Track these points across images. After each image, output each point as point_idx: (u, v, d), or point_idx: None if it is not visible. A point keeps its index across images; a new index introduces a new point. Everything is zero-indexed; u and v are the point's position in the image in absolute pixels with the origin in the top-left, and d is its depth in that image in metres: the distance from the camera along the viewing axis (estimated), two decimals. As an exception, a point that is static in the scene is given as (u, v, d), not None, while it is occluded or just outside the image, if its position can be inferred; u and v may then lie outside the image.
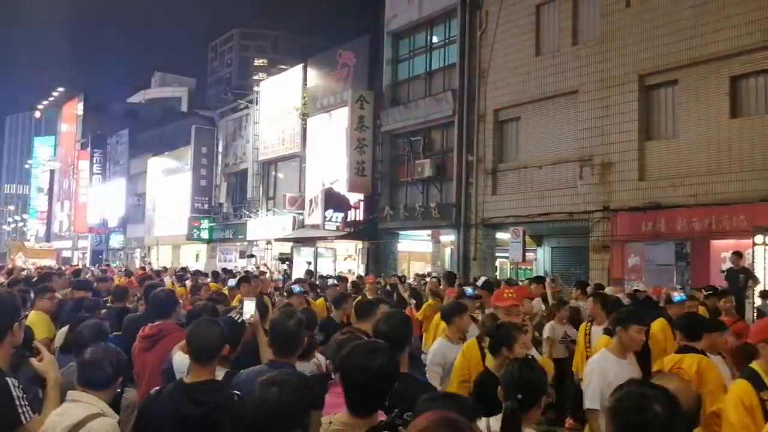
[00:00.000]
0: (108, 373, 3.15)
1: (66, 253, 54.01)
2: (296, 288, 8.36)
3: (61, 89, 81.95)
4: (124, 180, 43.79)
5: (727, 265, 12.13)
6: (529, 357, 4.19)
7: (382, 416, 2.76)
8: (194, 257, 33.80)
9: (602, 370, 4.40)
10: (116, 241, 45.00)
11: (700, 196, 13.09)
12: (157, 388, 3.32)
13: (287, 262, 21.21)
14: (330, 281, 10.72)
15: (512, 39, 17.49)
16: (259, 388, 2.33)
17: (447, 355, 5.24)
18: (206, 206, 32.49)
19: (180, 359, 3.87)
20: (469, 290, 7.49)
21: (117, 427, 3.09)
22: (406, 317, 4.00)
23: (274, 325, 3.81)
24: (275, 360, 3.65)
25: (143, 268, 20.49)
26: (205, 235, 32.07)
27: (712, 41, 13.10)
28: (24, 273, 14.91)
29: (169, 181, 36.21)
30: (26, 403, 2.87)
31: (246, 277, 10.04)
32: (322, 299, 9.86)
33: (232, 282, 10.05)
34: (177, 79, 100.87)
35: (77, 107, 54.33)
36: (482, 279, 10.91)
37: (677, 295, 7.60)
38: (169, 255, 36.39)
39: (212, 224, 31.78)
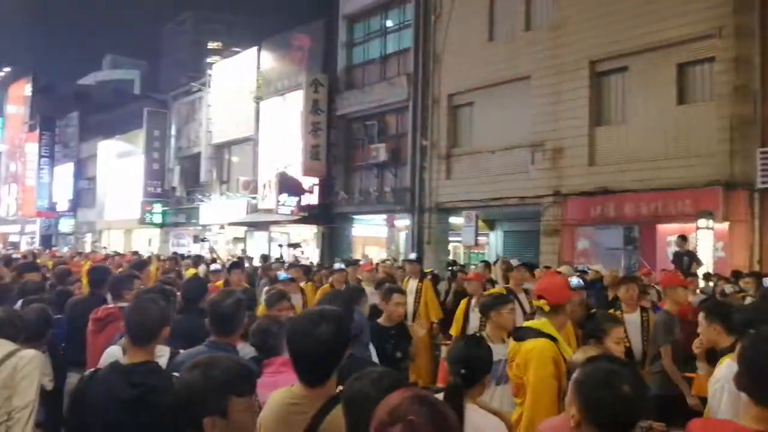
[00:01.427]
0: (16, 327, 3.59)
1: (13, 238, 52.57)
2: (282, 275, 7.78)
3: (7, 69, 79.21)
4: (73, 163, 42.76)
5: (673, 248, 12.42)
6: (479, 335, 4.26)
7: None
8: (147, 242, 33.23)
9: None
10: (66, 225, 43.95)
11: (648, 181, 13.34)
12: (92, 370, 3.26)
13: (299, 248, 19.40)
14: (336, 266, 10.13)
15: (466, 24, 17.50)
16: (184, 371, 2.28)
17: None
18: (159, 190, 31.89)
19: (114, 349, 3.79)
20: (282, 275, 7.36)
21: (41, 356, 3.24)
22: (349, 298, 4.14)
23: (211, 304, 3.76)
24: (215, 340, 3.59)
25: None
26: (157, 219, 31.53)
27: (661, 29, 13.31)
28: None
29: (121, 164, 35.49)
30: None
31: (238, 263, 9.64)
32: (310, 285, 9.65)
33: (215, 266, 9.50)
34: (130, 61, 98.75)
35: (25, 88, 52.69)
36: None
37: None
38: (122, 240, 35.72)
39: (165, 208, 31.24)
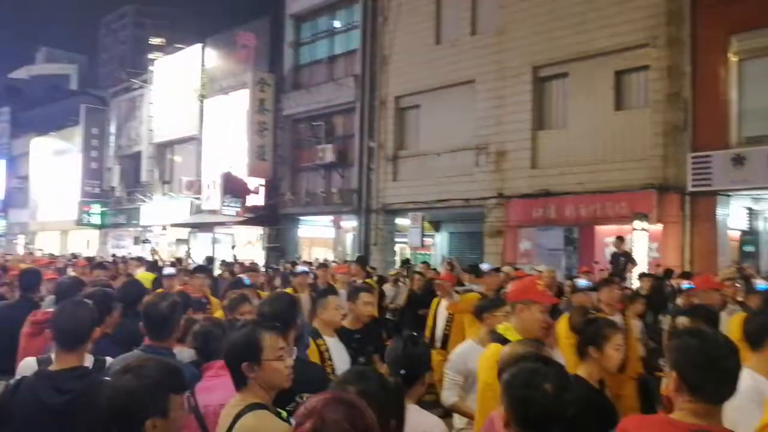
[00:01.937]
0: None
1: (-61, 239, 50.27)
2: (246, 279, 7.29)
3: (-68, 61, 75.55)
4: (5, 161, 41.16)
5: (611, 249, 12.91)
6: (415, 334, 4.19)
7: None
8: (85, 244, 32.30)
9: None
10: (-3, 226, 42.31)
11: (587, 184, 13.80)
12: (18, 377, 3.11)
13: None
14: (300, 268, 9.49)
15: (413, 27, 17.74)
16: (113, 376, 2.27)
17: (470, 361, 4.16)
18: (97, 190, 31.13)
19: (29, 361, 3.54)
20: (247, 280, 7.05)
21: None
22: (292, 298, 3.90)
23: (146, 307, 3.62)
24: (150, 344, 3.49)
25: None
26: (96, 220, 30.74)
27: (599, 37, 13.81)
28: None
29: (56, 163, 34.34)
30: None
31: (203, 266, 9.13)
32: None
33: (169, 270, 8.84)
34: (66, 55, 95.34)
35: (-49, 82, 50.55)
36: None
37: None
38: (57, 241, 34.59)
39: (104, 209, 30.49)
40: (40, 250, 27.35)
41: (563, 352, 4.25)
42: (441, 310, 7.86)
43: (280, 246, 21.01)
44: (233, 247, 15.24)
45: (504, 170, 15.39)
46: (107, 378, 2.79)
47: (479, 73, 16.00)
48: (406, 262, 13.64)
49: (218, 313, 6.07)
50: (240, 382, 2.64)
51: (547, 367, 2.16)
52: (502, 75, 15.54)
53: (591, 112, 14.19)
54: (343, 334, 4.74)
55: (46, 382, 2.94)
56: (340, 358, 4.46)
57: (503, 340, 3.52)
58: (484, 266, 10.00)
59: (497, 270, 9.32)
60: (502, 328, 3.74)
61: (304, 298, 8.05)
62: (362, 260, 11.52)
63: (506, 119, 15.42)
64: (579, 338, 3.67)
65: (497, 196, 15.42)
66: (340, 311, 4.75)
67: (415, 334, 3.62)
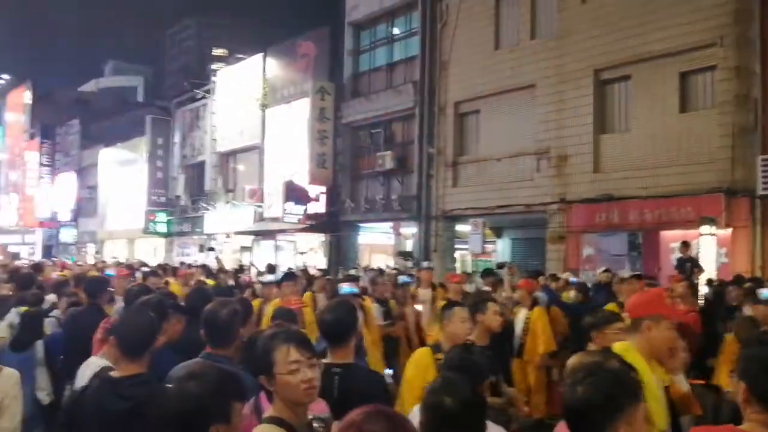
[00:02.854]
0: None
1: (14, 248, 52.52)
2: (345, 288, 6.91)
3: (6, 77, 79.23)
4: (75, 172, 42.76)
5: (677, 254, 12.65)
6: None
7: (318, 406, 2.77)
8: (152, 252, 33.28)
9: None
10: (68, 235, 43.87)
11: (651, 188, 13.57)
12: (84, 384, 3.23)
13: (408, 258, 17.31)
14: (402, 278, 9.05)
15: (472, 32, 17.77)
16: (177, 383, 2.29)
17: None
18: (163, 199, 31.92)
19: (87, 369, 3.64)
20: (345, 288, 6.65)
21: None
22: (352, 306, 3.83)
23: (206, 315, 3.64)
24: (210, 352, 3.51)
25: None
26: (162, 228, 31.57)
27: (662, 38, 13.57)
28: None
29: (124, 173, 35.49)
30: None
31: (291, 274, 8.99)
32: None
33: (269, 277, 8.64)
34: (132, 67, 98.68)
35: (24, 96, 52.72)
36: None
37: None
38: (125, 249, 35.77)
39: (169, 217, 31.30)
40: (114, 258, 28.29)
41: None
42: (519, 317, 7.86)
43: (340, 252, 21.27)
44: (302, 253, 15.30)
45: (566, 175, 15.25)
46: (169, 385, 2.91)
47: (539, 78, 15.92)
48: (501, 267, 13.13)
49: (310, 319, 6.08)
50: (268, 395, 2.60)
51: (458, 381, 2.26)
52: (562, 79, 15.43)
53: (655, 115, 13.95)
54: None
55: (109, 388, 3.03)
56: None
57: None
58: (623, 272, 9.58)
59: (638, 277, 8.34)
60: (620, 347, 3.22)
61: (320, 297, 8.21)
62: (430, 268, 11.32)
63: (567, 123, 15.29)
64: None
65: (559, 201, 15.29)
66: (466, 324, 4.40)
67: (471, 341, 3.64)
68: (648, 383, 2.96)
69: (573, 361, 3.03)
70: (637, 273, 9.20)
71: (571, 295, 9.81)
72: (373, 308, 8.01)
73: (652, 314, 3.23)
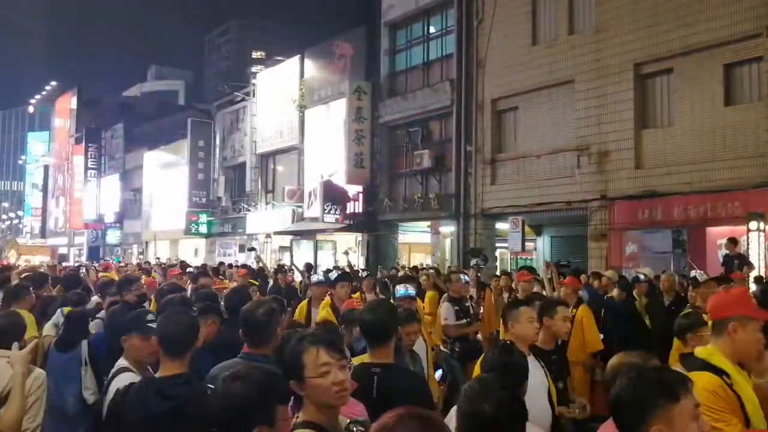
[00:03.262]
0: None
1: (62, 250, 53.95)
2: (401, 290, 6.54)
3: (54, 83, 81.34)
4: (119, 175, 43.73)
5: (723, 251, 12.32)
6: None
7: (356, 408, 2.76)
8: (193, 252, 33.87)
9: None
10: (113, 236, 44.95)
11: (696, 184, 13.26)
12: (127, 384, 3.26)
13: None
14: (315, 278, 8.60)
15: (509, 28, 17.60)
16: (222, 383, 2.28)
17: None
18: (204, 200, 32.46)
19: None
20: (401, 290, 6.40)
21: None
22: (392, 306, 3.82)
23: (244, 315, 3.65)
24: (249, 352, 3.52)
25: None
26: (203, 229, 32.10)
27: (705, 29, 13.25)
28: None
29: (166, 175, 36.18)
30: None
31: (346, 274, 8.85)
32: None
33: (318, 277, 8.38)
34: (174, 71, 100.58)
35: (71, 101, 54.12)
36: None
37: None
38: (168, 250, 36.46)
39: (211, 218, 31.81)
40: (158, 258, 28.81)
41: None
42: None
43: (378, 252, 21.29)
44: (346, 252, 15.09)
45: (607, 171, 14.99)
46: (210, 386, 2.98)
47: (578, 73, 15.68)
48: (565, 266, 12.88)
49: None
50: (297, 400, 2.54)
51: (495, 387, 2.20)
52: (602, 73, 15.16)
53: (698, 109, 13.61)
54: (536, 354, 4.17)
55: (152, 388, 3.06)
56: (536, 380, 3.69)
57: (712, 368, 2.92)
58: (697, 274, 9.12)
59: (718, 280, 7.63)
60: (703, 352, 3.08)
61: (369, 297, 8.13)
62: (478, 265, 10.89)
63: (608, 119, 15.02)
64: None
65: (600, 198, 15.04)
66: (534, 324, 4.18)
67: (509, 342, 3.51)
68: (742, 386, 2.88)
69: (614, 361, 2.95)
70: (715, 276, 8.61)
71: (614, 293, 9.63)
72: (445, 307, 8.02)
73: (737, 315, 3.04)
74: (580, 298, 7.99)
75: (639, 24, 14.45)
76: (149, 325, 3.53)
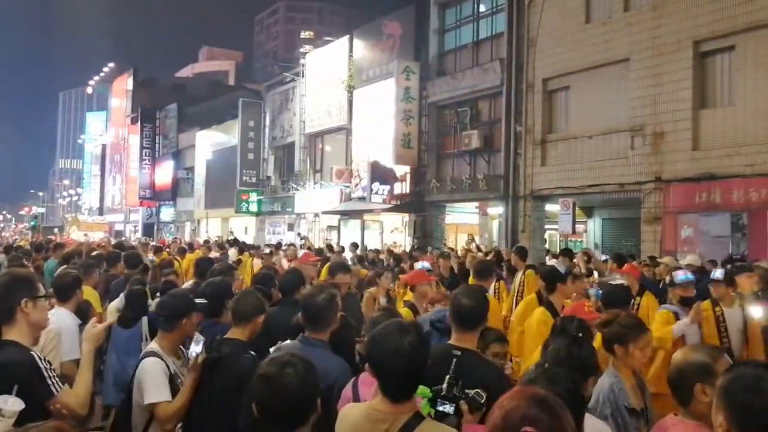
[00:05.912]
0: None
1: (118, 227, 55.66)
2: (420, 264, 6.96)
3: (111, 65, 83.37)
4: (172, 154, 44.61)
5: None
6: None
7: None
8: (243, 230, 34.41)
9: None
10: (167, 214, 46.08)
11: (758, 166, 12.74)
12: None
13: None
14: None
15: (561, 6, 17.13)
16: (274, 367, 2.34)
17: None
18: (254, 179, 32.88)
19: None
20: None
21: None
22: (485, 292, 3.90)
23: (304, 299, 3.80)
24: (307, 336, 3.64)
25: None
26: (253, 208, 32.55)
27: (771, 4, 12.64)
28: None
29: (218, 154, 36.74)
30: (54, 374, 3.03)
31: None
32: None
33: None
34: (224, 53, 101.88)
35: (127, 82, 55.39)
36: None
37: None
38: (219, 228, 37.14)
39: (260, 197, 32.21)
40: (207, 233, 29.30)
41: None
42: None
43: (425, 232, 21.20)
44: (418, 238, 14.54)
45: (662, 153, 14.52)
46: (252, 353, 3.58)
47: (634, 51, 15.17)
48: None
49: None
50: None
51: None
52: (659, 51, 14.64)
53: (762, 88, 13.03)
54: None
55: (239, 349, 3.67)
56: None
57: None
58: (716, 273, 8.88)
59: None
60: None
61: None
62: (521, 250, 10.02)
63: (664, 99, 14.52)
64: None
65: (655, 180, 14.60)
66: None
67: (581, 335, 3.43)
68: None
69: (678, 356, 2.79)
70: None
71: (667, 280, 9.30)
72: None
73: None
74: (643, 286, 7.59)
75: (699, 0, 13.87)
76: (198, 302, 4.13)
